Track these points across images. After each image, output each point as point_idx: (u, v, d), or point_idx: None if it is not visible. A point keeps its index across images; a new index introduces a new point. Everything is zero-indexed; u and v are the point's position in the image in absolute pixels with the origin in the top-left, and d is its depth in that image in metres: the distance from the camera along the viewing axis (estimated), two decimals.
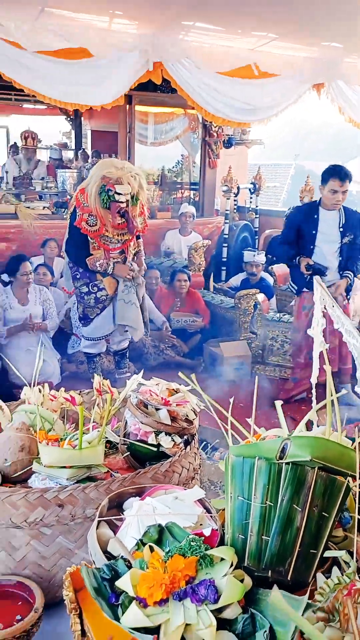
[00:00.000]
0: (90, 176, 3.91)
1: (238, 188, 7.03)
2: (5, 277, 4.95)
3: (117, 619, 0.78)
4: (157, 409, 1.42)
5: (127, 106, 6.44)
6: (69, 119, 9.27)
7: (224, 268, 6.76)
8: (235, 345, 5.14)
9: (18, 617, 1.08)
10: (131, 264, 4.12)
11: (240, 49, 4.38)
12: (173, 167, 8.80)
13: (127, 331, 4.41)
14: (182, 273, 5.55)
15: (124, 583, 0.83)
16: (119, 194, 3.77)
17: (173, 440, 1.37)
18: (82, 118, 9.09)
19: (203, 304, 5.60)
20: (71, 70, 3.97)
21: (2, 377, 4.62)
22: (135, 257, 4.19)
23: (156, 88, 6.08)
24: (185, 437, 1.41)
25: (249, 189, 7.31)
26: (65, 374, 4.87)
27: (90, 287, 4.15)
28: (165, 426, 1.38)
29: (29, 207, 6.05)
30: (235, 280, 6.33)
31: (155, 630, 0.78)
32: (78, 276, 4.17)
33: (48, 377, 4.73)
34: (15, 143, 9.28)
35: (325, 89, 4.69)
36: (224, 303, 5.58)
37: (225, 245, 6.75)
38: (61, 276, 5.47)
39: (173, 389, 1.49)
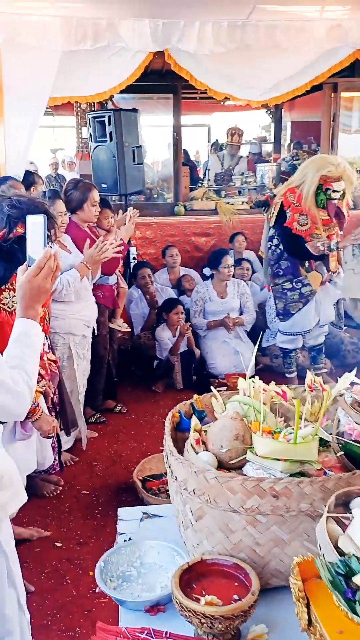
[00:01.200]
0: (304, 175, 3.86)
1: None
2: (207, 270, 5.19)
3: (356, 613, 0.78)
4: None
5: (332, 94, 6.22)
6: (269, 112, 9.29)
7: None
8: None
9: (235, 596, 1.14)
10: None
11: None
12: None
13: (322, 326, 4.34)
14: None
15: None
16: (335, 191, 3.71)
17: None
18: (283, 110, 9.04)
19: None
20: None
21: (201, 366, 4.88)
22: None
23: None
24: None
25: None
26: (259, 367, 4.94)
27: (294, 283, 4.15)
28: None
29: (228, 203, 6.24)
30: None
31: None
32: (280, 273, 4.18)
33: (243, 369, 4.86)
34: (216, 140, 9.62)
35: None
36: None
37: None
38: (253, 271, 5.55)
39: None
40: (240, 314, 5.06)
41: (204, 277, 5.33)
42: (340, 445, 1.39)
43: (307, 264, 4.11)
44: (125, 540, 1.51)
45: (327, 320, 4.31)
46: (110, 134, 5.01)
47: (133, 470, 3.32)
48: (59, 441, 3.06)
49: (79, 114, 6.88)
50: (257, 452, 1.32)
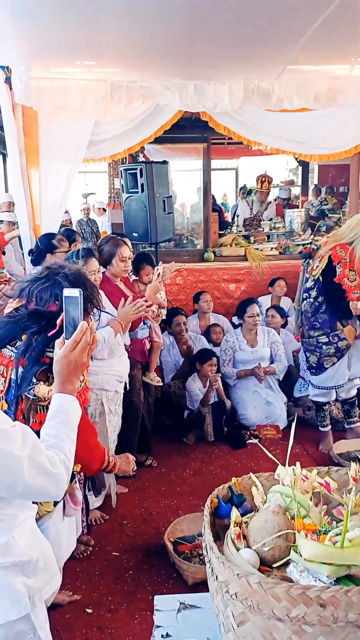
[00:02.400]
0: (357, 233, 3.88)
1: None
2: (235, 319, 5.18)
3: None
4: None
5: None
6: (295, 156, 9.39)
7: None
8: None
9: None
10: None
11: None
12: None
13: (354, 379, 4.26)
14: None
15: None
16: None
17: None
18: None
19: None
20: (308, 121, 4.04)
21: (232, 417, 4.82)
22: None
23: None
24: None
25: None
26: (291, 418, 4.86)
27: (330, 337, 4.10)
28: None
29: (257, 249, 6.26)
30: None
31: None
32: (317, 326, 4.14)
33: (275, 420, 4.78)
34: (244, 185, 9.74)
35: None
36: None
37: None
38: (286, 317, 5.50)
39: None
40: (272, 362, 5.01)
41: (234, 325, 5.32)
42: None
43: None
44: (162, 636, 1.47)
45: (358, 374, 4.24)
46: (142, 185, 5.12)
47: (164, 531, 3.26)
48: (86, 502, 3.04)
49: (110, 165, 7.06)
50: (302, 555, 1.27)
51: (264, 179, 7.44)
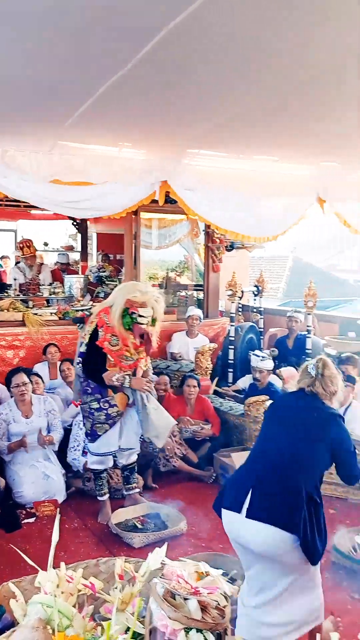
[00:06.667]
0: (115, 297, 3.99)
1: (242, 291, 7.15)
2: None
3: None
4: (185, 599, 1.31)
5: (133, 215, 6.67)
6: (75, 223, 9.60)
7: (231, 370, 6.72)
8: (247, 456, 4.97)
9: None
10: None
11: (244, 170, 4.61)
12: (176, 267, 9.03)
13: (131, 449, 4.30)
14: (192, 379, 5.49)
15: None
16: (142, 316, 3.84)
17: (205, 639, 1.25)
18: (88, 222, 9.43)
19: (212, 410, 5.49)
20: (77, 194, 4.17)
21: (6, 496, 4.44)
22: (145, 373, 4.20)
23: None
24: (218, 632, 1.29)
25: (252, 292, 7.44)
26: (71, 491, 4.68)
27: (101, 403, 4.10)
28: (196, 622, 1.26)
29: (36, 314, 6.11)
30: (243, 383, 6.26)
31: None
32: (89, 391, 4.12)
33: (53, 495, 4.54)
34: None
35: (327, 204, 4.91)
36: (234, 410, 5.48)
37: (232, 347, 6.75)
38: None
39: (202, 572, 1.38)
40: (49, 432, 4.80)
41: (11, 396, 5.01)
42: None
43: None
44: None
45: (128, 445, 4.28)
46: None
47: None
48: None
49: None
50: None
51: (22, 244, 7.38)
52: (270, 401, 5.17)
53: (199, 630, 1.26)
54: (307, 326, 6.39)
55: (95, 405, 4.09)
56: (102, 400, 4.08)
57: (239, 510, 2.39)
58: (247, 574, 2.51)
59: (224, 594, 1.35)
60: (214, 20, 2.01)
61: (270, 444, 2.61)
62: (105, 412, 4.08)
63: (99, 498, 4.32)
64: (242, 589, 2.50)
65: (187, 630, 1.26)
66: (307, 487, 2.39)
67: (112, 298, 4.09)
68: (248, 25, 2.06)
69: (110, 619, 1.32)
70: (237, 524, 2.40)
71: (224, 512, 2.50)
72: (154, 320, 3.99)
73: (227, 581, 1.44)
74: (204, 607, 1.31)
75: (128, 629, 1.39)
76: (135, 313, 3.88)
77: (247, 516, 2.35)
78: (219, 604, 1.34)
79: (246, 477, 2.53)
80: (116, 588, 1.40)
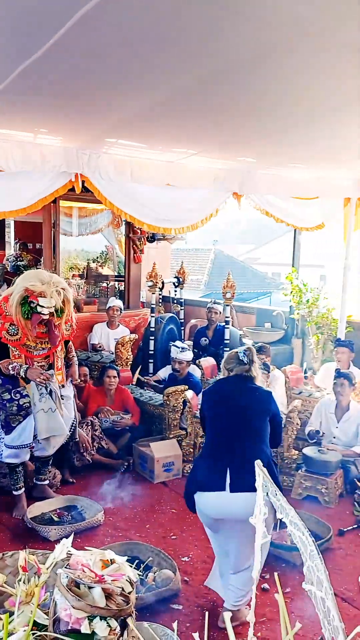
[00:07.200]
0: (15, 285, 3.88)
1: (163, 283, 7.20)
2: None
3: None
4: (90, 587, 1.32)
5: (52, 204, 6.52)
6: None
7: (151, 361, 6.76)
8: (165, 445, 5.04)
9: None
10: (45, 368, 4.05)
11: (161, 161, 4.62)
12: (97, 257, 8.92)
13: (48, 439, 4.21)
14: (112, 369, 5.48)
15: None
16: (41, 306, 3.76)
17: (109, 626, 1.27)
18: None
19: (132, 400, 5.51)
20: None
21: None
22: (68, 365, 4.15)
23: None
24: (122, 617, 1.31)
25: (173, 283, 7.51)
26: None
27: (12, 394, 4.00)
28: (99, 609, 1.27)
29: None
30: (164, 373, 6.32)
31: None
32: (0, 382, 4.00)
33: None
34: None
35: (244, 197, 5.04)
36: (153, 400, 5.53)
37: (152, 338, 6.79)
38: None
39: (107, 560, 1.39)
40: None
41: None
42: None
43: None
44: None
45: (48, 434, 4.18)
46: None
47: None
48: None
49: None
50: None
51: None
52: (190, 391, 5.29)
53: (102, 618, 1.28)
54: (226, 317, 6.54)
55: (6, 396, 3.99)
56: (13, 391, 3.99)
57: (223, 489, 2.82)
58: (226, 549, 2.98)
59: (129, 580, 1.37)
60: (125, 5, 2.00)
61: (227, 425, 2.98)
62: (17, 403, 3.98)
63: (15, 492, 4.22)
64: (221, 565, 3.03)
65: (91, 618, 1.27)
66: (268, 452, 2.94)
67: (12, 286, 3.99)
68: (160, 14, 2.06)
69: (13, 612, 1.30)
70: (223, 499, 2.82)
71: (206, 494, 2.89)
72: (60, 311, 3.93)
73: (136, 569, 1.46)
74: (108, 595, 1.33)
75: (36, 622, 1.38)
76: (34, 302, 3.79)
77: (232, 491, 2.80)
78: (123, 590, 1.36)
79: (219, 460, 2.90)
80: (20, 580, 1.39)
